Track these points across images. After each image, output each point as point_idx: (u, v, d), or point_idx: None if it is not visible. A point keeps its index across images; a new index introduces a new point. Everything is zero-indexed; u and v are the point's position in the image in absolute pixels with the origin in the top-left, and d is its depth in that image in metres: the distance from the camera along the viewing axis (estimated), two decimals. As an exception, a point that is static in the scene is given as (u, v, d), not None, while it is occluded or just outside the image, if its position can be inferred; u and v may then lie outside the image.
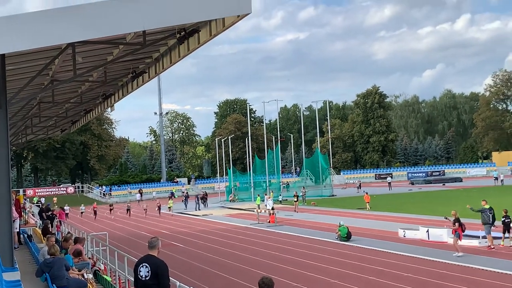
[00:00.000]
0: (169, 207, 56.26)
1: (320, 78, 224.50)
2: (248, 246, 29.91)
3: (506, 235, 24.66)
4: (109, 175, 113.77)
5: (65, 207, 46.80)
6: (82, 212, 57.25)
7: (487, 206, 24.74)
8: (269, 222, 40.37)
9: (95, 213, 54.86)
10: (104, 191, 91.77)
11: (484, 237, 25.41)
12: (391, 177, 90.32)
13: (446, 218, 24.41)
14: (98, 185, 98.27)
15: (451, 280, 18.51)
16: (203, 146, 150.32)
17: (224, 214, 50.89)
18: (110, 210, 58.95)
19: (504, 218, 24.63)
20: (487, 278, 18.49)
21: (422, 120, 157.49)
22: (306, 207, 51.97)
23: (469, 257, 22.50)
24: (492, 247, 24.20)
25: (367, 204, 46.44)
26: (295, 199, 49.41)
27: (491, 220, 24.24)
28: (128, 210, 55.50)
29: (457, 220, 22.99)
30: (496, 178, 74.61)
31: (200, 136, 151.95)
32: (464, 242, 25.70)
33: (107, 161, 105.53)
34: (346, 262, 23.19)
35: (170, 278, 9.16)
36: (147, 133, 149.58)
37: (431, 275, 19.57)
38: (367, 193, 49.14)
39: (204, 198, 65.48)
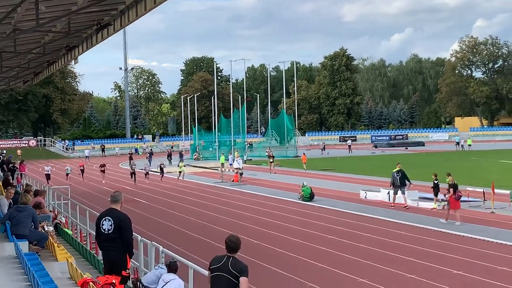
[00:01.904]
0: (180, 172, 43.50)
1: (288, 39, 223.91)
2: (212, 204, 30.00)
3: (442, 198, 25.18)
4: (72, 130, 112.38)
5: (46, 167, 44.32)
6: (67, 174, 46.36)
7: (396, 169, 26.39)
8: (233, 181, 40.51)
9: (82, 172, 46.57)
10: (66, 146, 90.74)
11: (443, 200, 26.00)
12: (352, 140, 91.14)
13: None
14: (60, 139, 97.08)
15: (405, 239, 18.88)
16: (168, 104, 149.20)
17: (189, 172, 50.78)
18: (102, 171, 45.45)
19: (435, 181, 25.56)
20: (434, 237, 18.91)
21: (388, 84, 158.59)
22: (266, 167, 52.11)
23: (424, 218, 22.96)
24: (406, 206, 25.84)
25: (304, 164, 49.50)
26: (271, 160, 49.18)
27: (398, 182, 25.97)
28: (133, 173, 42.95)
29: (451, 186, 21.76)
30: (458, 143, 75.94)
31: (165, 93, 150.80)
32: (423, 204, 26.27)
33: (70, 115, 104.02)
34: (308, 221, 23.45)
35: (133, 232, 9.12)
36: (111, 89, 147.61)
37: (389, 235, 19.93)
38: (304, 154, 53.70)
39: (169, 155, 65.33)
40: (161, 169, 45.17)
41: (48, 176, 43.04)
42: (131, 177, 42.80)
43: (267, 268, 15.73)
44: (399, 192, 26.21)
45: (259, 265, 15.74)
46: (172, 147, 79.97)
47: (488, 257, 16.27)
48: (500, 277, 14.10)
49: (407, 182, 26.34)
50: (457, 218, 21.26)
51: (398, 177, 26.10)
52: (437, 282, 13.77)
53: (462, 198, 25.53)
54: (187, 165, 61.69)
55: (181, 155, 63.28)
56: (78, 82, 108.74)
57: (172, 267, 9.48)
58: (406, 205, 25.92)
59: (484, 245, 17.88)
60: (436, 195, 25.53)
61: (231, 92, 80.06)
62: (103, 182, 43.20)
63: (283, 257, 17.18)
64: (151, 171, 47.06)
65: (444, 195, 22.74)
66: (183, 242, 19.77)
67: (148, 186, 40.70)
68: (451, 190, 21.58)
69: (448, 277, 14.30)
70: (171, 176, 46.21)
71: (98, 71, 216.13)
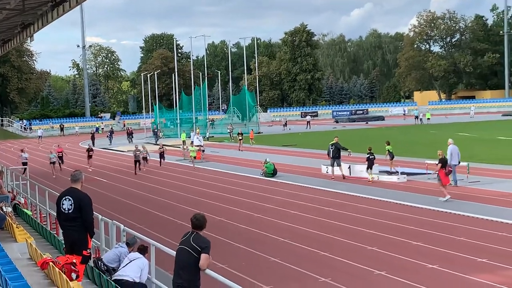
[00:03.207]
0: (192, 156, 36.92)
1: (250, 15, 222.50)
2: (175, 182, 29.91)
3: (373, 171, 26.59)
4: (30, 109, 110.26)
5: (22, 154, 35.74)
6: (52, 163, 35.39)
7: (334, 141, 28.08)
8: (195, 158, 40.41)
9: (60, 159, 37.11)
10: (24, 125, 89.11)
11: (403, 173, 26.48)
12: (312, 115, 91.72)
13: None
14: (18, 119, 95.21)
15: (366, 213, 19.16)
16: (128, 82, 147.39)
17: (150, 150, 50.43)
18: (89, 156, 37.84)
19: (368, 155, 26.28)
20: (393, 210, 19.25)
21: (348, 59, 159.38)
22: (234, 144, 52.18)
23: (384, 191, 23.32)
24: (343, 176, 27.47)
25: (251, 140, 51.67)
26: (240, 137, 48.47)
27: (332, 154, 27.66)
28: (137, 162, 34.68)
29: (441, 160, 21.22)
30: (417, 117, 77.03)
31: (125, 71, 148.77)
32: (383, 178, 26.66)
33: (27, 94, 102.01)
34: (271, 197, 23.58)
35: (93, 211, 9.03)
36: (70, 67, 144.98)
37: (350, 208, 20.20)
38: (252, 129, 57.08)
39: (129, 133, 64.74)
40: (162, 154, 38.11)
41: (25, 165, 31.94)
42: (135, 165, 34.34)
43: (230, 244, 15.80)
44: (335, 164, 27.69)
45: (223, 241, 15.80)
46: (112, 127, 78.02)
47: (445, 228, 16.62)
48: (458, 247, 14.43)
49: (347, 152, 28.33)
50: (444, 194, 20.74)
51: (331, 150, 27.66)
52: (397, 253, 14.03)
53: (421, 171, 26.08)
54: (148, 143, 61.33)
55: (155, 133, 62.36)
56: (35, 60, 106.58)
57: (140, 248, 9.51)
58: (343, 175, 27.43)
59: (442, 216, 18.25)
60: (370, 167, 26.43)
61: (191, 69, 79.40)
62: (90, 169, 35.64)
63: (246, 233, 17.28)
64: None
65: (435, 172, 22.02)
66: (146, 221, 19.71)
67: (109, 164, 40.33)
68: (439, 165, 20.93)
69: (407, 247, 14.58)
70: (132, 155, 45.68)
71: (55, 49, 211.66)
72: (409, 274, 12.31)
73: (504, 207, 19.04)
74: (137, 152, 34.62)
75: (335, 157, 27.68)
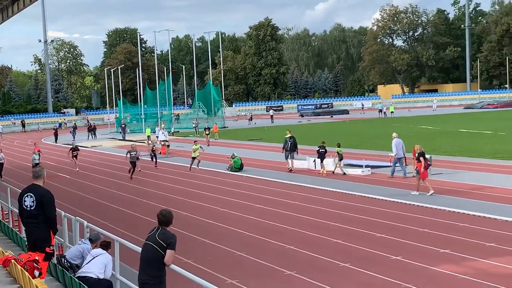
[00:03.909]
0: (194, 158, 31.00)
1: (215, 9, 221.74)
2: (140, 177, 29.67)
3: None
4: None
5: None
6: (36, 165, 27.21)
7: (288, 135, 28.64)
8: (160, 153, 40.16)
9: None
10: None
11: (367, 166, 26.75)
12: (275, 110, 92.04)
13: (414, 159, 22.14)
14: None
15: (332, 206, 19.33)
16: (92, 77, 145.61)
17: (114, 146, 50.07)
18: (74, 156, 33.23)
19: (319, 148, 26.98)
20: (359, 203, 19.47)
21: (313, 53, 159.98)
22: (199, 139, 51.99)
23: (350, 184, 23.54)
24: (291, 169, 28.15)
25: (216, 133, 51.63)
26: (207, 132, 48.13)
27: (289, 147, 28.28)
28: (133, 163, 29.47)
29: (420, 154, 20.79)
30: (380, 110, 77.82)
31: (88, 66, 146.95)
32: (350, 170, 26.90)
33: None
34: (237, 191, 23.60)
35: (56, 208, 8.93)
36: (31, 62, 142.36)
37: (316, 202, 20.33)
38: (216, 124, 56.43)
39: (92, 129, 64.00)
40: (154, 153, 34.21)
41: (0, 168, 30.34)
42: (132, 168, 29.45)
43: (196, 239, 15.77)
44: (290, 156, 28.40)
45: (188, 236, 15.76)
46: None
47: (408, 219, 16.86)
48: (421, 238, 14.65)
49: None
50: (428, 189, 20.38)
51: (290, 143, 28.29)
52: (361, 245, 14.18)
53: (386, 164, 26.39)
54: (112, 138, 60.72)
55: (123, 129, 61.09)
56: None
57: (103, 243, 9.43)
58: (291, 169, 28.18)
59: (405, 208, 18.51)
60: (322, 161, 27.08)
61: (156, 63, 78.90)
62: (77, 170, 32.77)
63: (212, 228, 17.26)
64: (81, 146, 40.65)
65: (415, 168, 21.24)
66: (111, 217, 19.54)
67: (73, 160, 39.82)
68: (421, 159, 20.55)
69: (371, 239, 14.75)
70: (97, 150, 45.37)
71: (17, 44, 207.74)
72: (374, 266, 12.46)
73: (466, 198, 19.39)
74: (132, 153, 29.21)
75: (292, 150, 28.41)
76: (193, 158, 30.61)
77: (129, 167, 29.58)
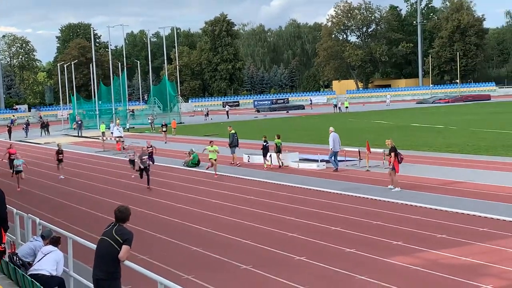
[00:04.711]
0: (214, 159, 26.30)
1: (170, 4, 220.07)
2: (95, 174, 29.35)
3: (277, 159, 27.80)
4: None
5: None
6: (18, 172, 25.64)
7: (232, 131, 29.67)
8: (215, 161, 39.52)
9: (11, 162, 27.44)
10: None
11: (322, 161, 27.02)
12: (230, 105, 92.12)
13: (385, 153, 22.52)
14: None
15: (287, 200, 19.48)
16: (44, 72, 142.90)
17: (68, 142, 49.29)
18: (59, 160, 28.32)
19: (264, 143, 27.51)
20: (314, 197, 19.70)
21: (268, 49, 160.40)
22: (156, 135, 51.71)
23: (304, 178, 23.77)
24: (238, 164, 28.97)
25: (174, 129, 51.66)
26: (164, 129, 47.06)
27: (235, 142, 29.44)
28: (144, 169, 24.56)
29: (392, 149, 20.47)
30: (335, 106, 78.62)
31: (41, 61, 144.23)
32: (303, 165, 27.13)
33: None
34: (193, 187, 23.57)
35: (7, 205, 8.79)
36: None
37: (271, 196, 20.44)
38: (174, 119, 56.63)
39: (45, 125, 62.91)
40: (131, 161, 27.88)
41: None
42: (141, 174, 24.42)
43: (153, 235, 15.70)
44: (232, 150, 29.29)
45: (145, 232, 15.68)
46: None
47: (362, 212, 17.12)
48: (374, 231, 14.90)
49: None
50: (393, 183, 20.41)
51: (235, 138, 29.46)
52: (316, 239, 14.34)
53: (339, 158, 26.71)
54: (66, 134, 59.76)
55: (79, 126, 59.42)
56: None
57: (52, 239, 9.30)
58: (238, 163, 29.04)
59: (359, 202, 18.79)
60: (265, 155, 27.63)
61: (110, 59, 77.92)
62: (61, 177, 28.11)
63: (169, 224, 17.21)
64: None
65: (389, 162, 20.78)
66: (64, 214, 19.27)
67: (25, 157, 39.03)
68: (393, 154, 20.21)
69: (326, 233, 14.92)
70: (50, 147, 44.55)
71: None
72: (328, 259, 12.63)
73: (418, 191, 19.78)
74: (143, 158, 24.10)
75: (236, 145, 29.53)
76: (211, 160, 26.01)
77: (132, 174, 25.28)
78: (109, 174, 29.06)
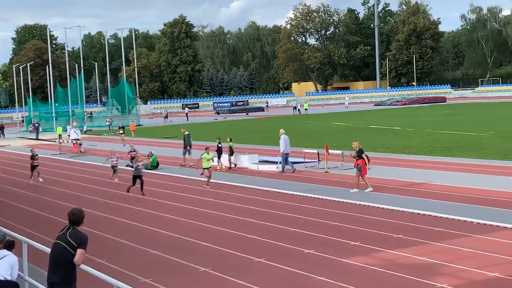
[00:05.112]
0: (207, 169, 23.50)
1: (128, 6, 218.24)
2: (52, 177, 28.82)
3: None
4: None
5: None
6: None
7: (186, 133, 30.24)
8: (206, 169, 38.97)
9: None
10: None
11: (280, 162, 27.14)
12: (189, 108, 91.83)
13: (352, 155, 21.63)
14: None
15: (244, 201, 19.49)
16: (0, 74, 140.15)
17: (24, 145, 48.41)
18: (34, 167, 26.79)
19: (218, 144, 28.09)
20: (271, 198, 19.76)
21: (228, 51, 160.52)
22: (114, 137, 51.17)
23: (263, 180, 23.81)
24: (191, 165, 28.92)
25: (133, 132, 51.57)
26: (121, 131, 46.08)
27: (189, 144, 30.04)
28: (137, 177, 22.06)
29: (360, 151, 20.31)
30: (295, 108, 79.03)
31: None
32: (263, 167, 27.18)
33: None
34: (152, 190, 23.32)
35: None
36: None
37: (229, 198, 20.43)
38: (133, 121, 56.40)
39: (0, 128, 61.63)
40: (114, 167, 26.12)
41: None
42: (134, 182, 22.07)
43: (110, 238, 15.51)
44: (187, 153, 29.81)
45: (102, 236, 15.48)
46: None
47: (320, 213, 17.24)
48: (332, 232, 15.02)
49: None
50: (366, 186, 20.27)
51: (190, 139, 29.97)
52: (275, 240, 14.38)
53: (299, 160, 26.88)
54: (22, 137, 58.63)
55: (36, 128, 58.16)
56: None
57: (6, 244, 9.09)
58: (191, 164, 28.95)
59: (318, 203, 18.91)
60: (219, 157, 27.89)
61: (67, 60, 76.80)
62: (41, 180, 26.76)
63: (127, 227, 17.02)
64: None
65: (355, 164, 20.50)
66: (19, 217, 18.88)
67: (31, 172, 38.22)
68: (363, 156, 20.12)
69: (285, 234, 14.96)
70: (5, 150, 43.72)
71: None
72: (287, 260, 12.67)
73: (376, 193, 19.99)
74: (138, 164, 22.14)
75: (190, 146, 30.00)
76: (205, 170, 23.36)
77: (128, 184, 22.54)
78: (66, 177, 28.60)
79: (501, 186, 19.91)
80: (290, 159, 28.84)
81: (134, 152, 27.30)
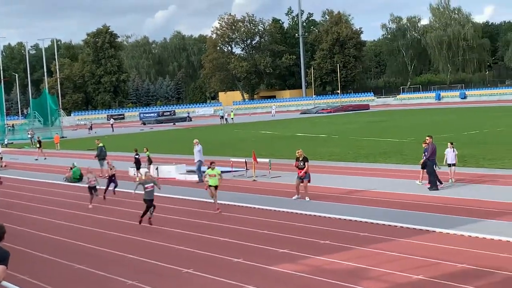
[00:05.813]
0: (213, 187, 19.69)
1: (49, 16, 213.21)
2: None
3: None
4: None
5: None
6: None
7: (101, 144, 30.93)
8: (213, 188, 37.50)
9: None
10: None
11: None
12: (115, 118, 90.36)
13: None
14: None
15: (172, 212, 19.32)
16: None
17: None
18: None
19: (136, 156, 28.60)
20: (197, 207, 19.67)
21: (154, 61, 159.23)
22: (35, 150, 49.59)
23: (189, 190, 23.68)
24: (106, 176, 27.96)
25: (57, 144, 50.04)
26: (38, 145, 44.63)
27: (104, 155, 30.57)
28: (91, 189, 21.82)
29: (305, 159, 20.17)
30: (222, 117, 79.10)
31: None
32: (191, 177, 27.00)
33: None
34: (76, 203, 22.79)
35: None
36: None
37: (156, 209, 20.18)
38: (57, 134, 54.99)
39: None
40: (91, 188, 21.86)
41: None
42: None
43: (33, 254, 15.01)
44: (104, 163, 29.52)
45: (25, 252, 14.98)
46: None
47: (247, 222, 17.28)
48: (260, 240, 15.08)
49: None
50: (305, 195, 20.16)
51: (104, 151, 30.71)
52: (203, 250, 14.29)
53: (225, 169, 26.87)
54: None
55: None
56: None
57: None
58: (106, 175, 27.93)
59: (246, 212, 18.95)
60: (138, 169, 27.73)
61: (-15, 72, 74.25)
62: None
63: (50, 241, 16.53)
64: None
65: (299, 172, 20.27)
66: None
67: None
68: (307, 164, 20.07)
69: (214, 243, 14.90)
70: None
71: None
72: (216, 269, 12.62)
73: (302, 199, 20.19)
74: (147, 186, 18.29)
75: (105, 158, 30.16)
76: (210, 187, 19.46)
77: (89, 204, 21.56)
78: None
79: (423, 191, 20.51)
80: (219, 168, 28.89)
81: (113, 169, 24.24)
